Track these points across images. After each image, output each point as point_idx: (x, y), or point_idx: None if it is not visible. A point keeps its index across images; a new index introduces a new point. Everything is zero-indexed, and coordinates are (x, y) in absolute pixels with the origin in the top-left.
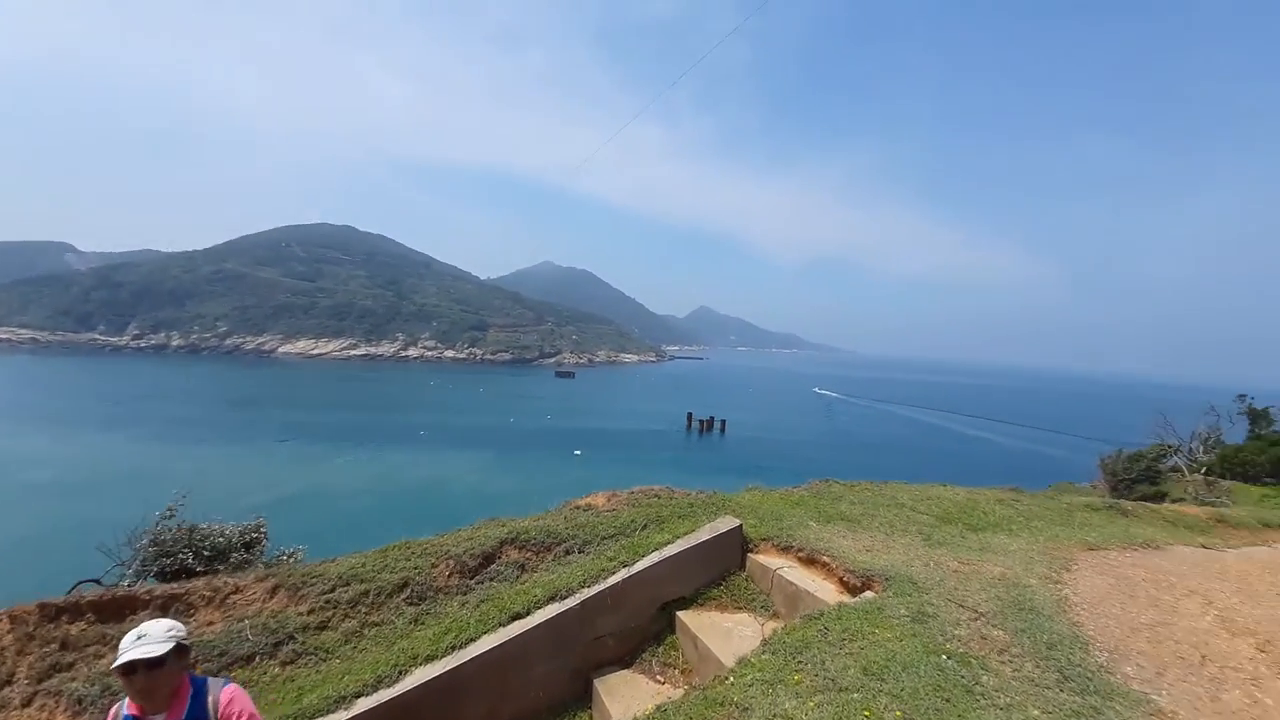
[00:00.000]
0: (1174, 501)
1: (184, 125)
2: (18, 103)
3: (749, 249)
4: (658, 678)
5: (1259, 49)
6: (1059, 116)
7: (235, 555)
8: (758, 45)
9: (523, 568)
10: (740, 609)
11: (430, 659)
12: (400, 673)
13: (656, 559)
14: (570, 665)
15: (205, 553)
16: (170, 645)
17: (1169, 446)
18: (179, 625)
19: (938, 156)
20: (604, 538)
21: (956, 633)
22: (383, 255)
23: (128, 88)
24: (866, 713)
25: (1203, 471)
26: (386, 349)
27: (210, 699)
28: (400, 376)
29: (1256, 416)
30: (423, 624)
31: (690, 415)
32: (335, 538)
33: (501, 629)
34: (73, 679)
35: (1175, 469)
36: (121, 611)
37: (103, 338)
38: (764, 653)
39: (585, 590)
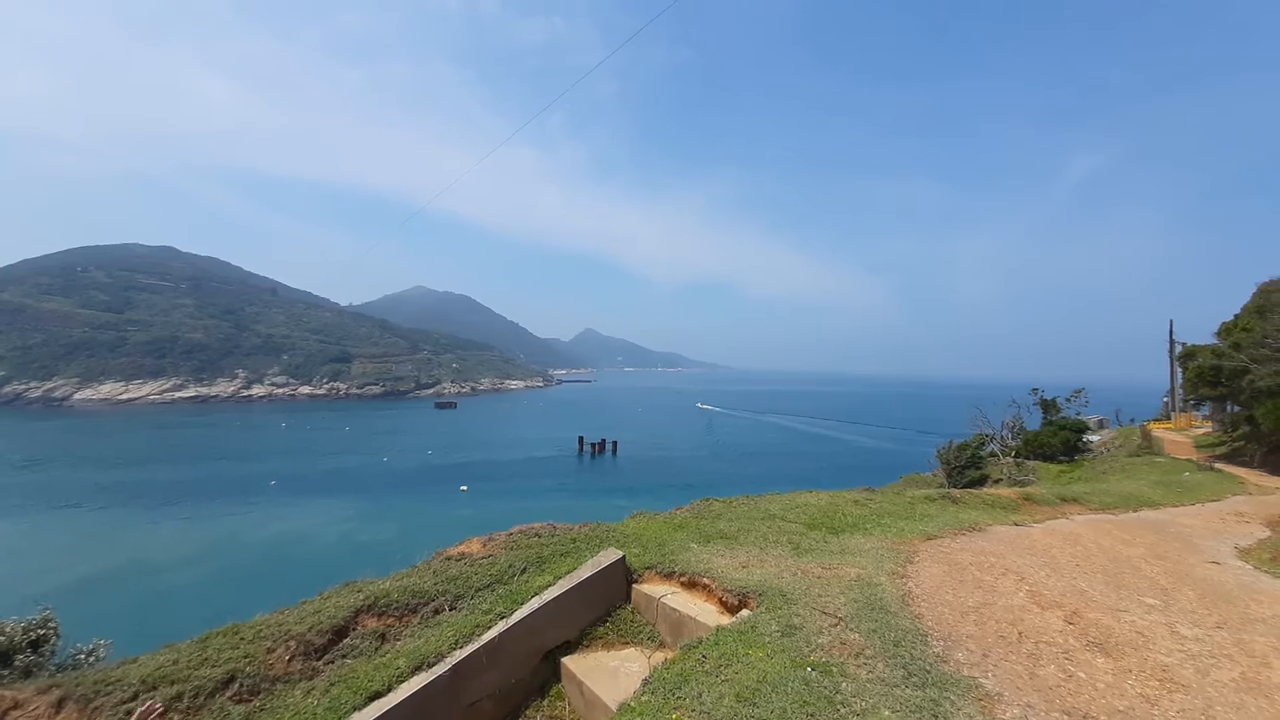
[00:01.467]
0: (994, 483)
1: None
2: None
3: (629, 271)
4: None
5: (1037, 111)
6: (895, 158)
7: (19, 658)
8: (625, 79)
9: (383, 637)
10: (626, 644)
11: None
12: None
13: (537, 604)
14: None
15: None
16: None
17: (987, 435)
18: None
19: (787, 190)
20: (479, 589)
21: (819, 641)
22: (214, 281)
23: None
24: None
25: (1013, 455)
26: (224, 388)
27: None
28: (242, 420)
29: (1047, 406)
30: None
31: (581, 439)
32: (152, 625)
33: (357, 714)
34: None
35: (993, 454)
36: None
37: None
38: (645, 693)
39: (457, 652)
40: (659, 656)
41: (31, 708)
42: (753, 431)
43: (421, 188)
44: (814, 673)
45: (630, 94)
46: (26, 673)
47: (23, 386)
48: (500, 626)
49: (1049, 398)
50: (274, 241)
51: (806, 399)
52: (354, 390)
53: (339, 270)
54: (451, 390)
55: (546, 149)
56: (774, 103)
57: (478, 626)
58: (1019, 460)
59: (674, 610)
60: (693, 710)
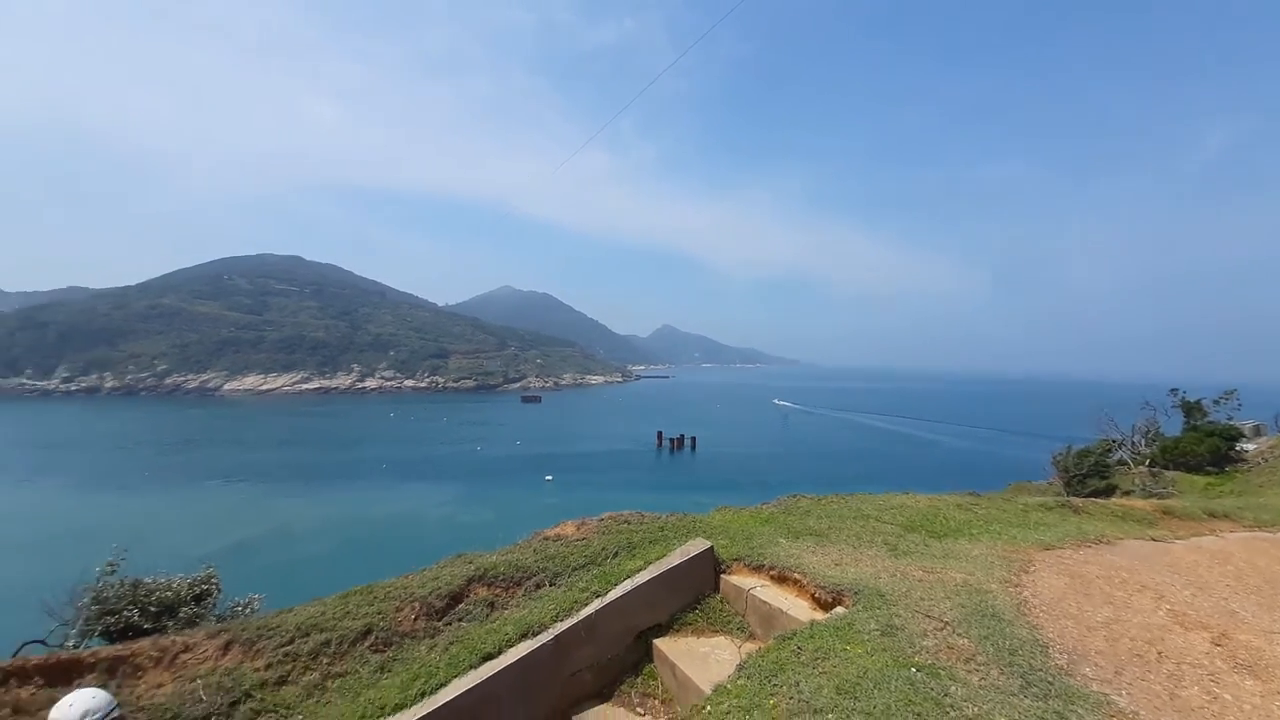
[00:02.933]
0: (1123, 494)
1: (90, 156)
2: None
3: (706, 268)
4: (638, 710)
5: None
6: (985, 140)
7: (185, 610)
8: (691, 77)
9: (492, 605)
10: (716, 632)
11: (399, 708)
12: None
13: (629, 587)
14: (547, 703)
15: (152, 609)
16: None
17: (1113, 441)
18: (103, 698)
19: (863, 180)
20: (575, 568)
21: (924, 644)
22: (333, 285)
23: (36, 124)
24: None
25: (1147, 463)
26: (342, 381)
27: None
28: (357, 409)
29: (1191, 409)
30: (389, 672)
31: (660, 434)
32: (293, 584)
33: (473, 671)
34: None
35: (1121, 462)
36: (68, 675)
37: (30, 382)
38: (740, 678)
39: (559, 624)
40: (749, 646)
41: (201, 650)
42: (832, 429)
43: (504, 193)
44: (919, 673)
45: (696, 92)
46: (190, 623)
47: (181, 378)
48: (596, 604)
49: (1193, 400)
50: (379, 249)
51: (892, 396)
52: (450, 384)
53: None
54: (536, 385)
55: (618, 151)
56: (840, 94)
57: (575, 603)
58: (1155, 470)
59: (765, 603)
60: (790, 698)
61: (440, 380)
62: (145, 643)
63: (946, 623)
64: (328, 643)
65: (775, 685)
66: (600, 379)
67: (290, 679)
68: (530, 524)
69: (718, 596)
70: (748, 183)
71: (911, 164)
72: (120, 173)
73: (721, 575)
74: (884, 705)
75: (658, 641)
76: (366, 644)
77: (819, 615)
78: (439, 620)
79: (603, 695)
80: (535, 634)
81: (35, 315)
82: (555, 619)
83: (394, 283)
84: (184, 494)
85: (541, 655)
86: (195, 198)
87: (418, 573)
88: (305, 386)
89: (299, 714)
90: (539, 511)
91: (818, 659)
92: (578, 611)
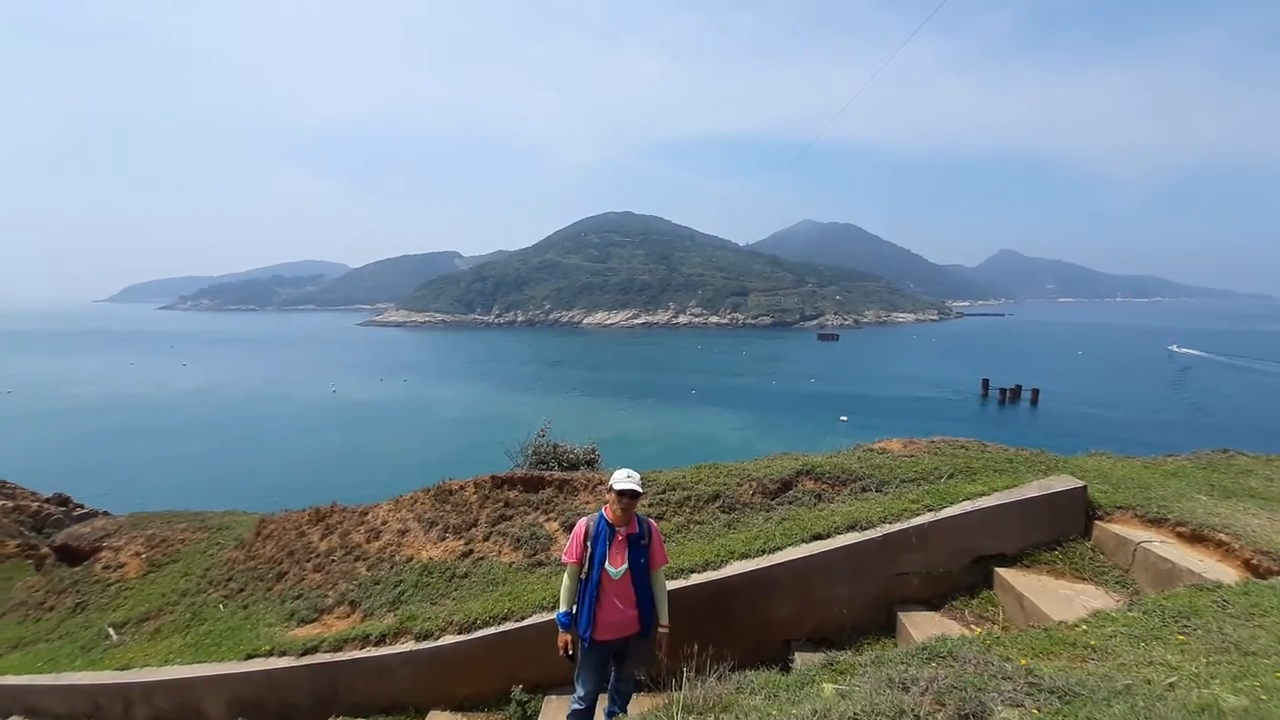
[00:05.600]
0: None
1: (504, 147)
2: (401, 148)
3: (1075, 172)
4: (971, 625)
5: None
6: None
7: (582, 469)
8: None
9: (819, 497)
10: (1081, 579)
11: (744, 556)
12: (722, 562)
13: (969, 508)
14: (872, 594)
15: (564, 463)
16: (642, 489)
17: None
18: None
19: None
20: (903, 480)
21: None
22: (656, 234)
23: (459, 124)
24: None
25: None
26: (661, 317)
27: (646, 526)
28: (672, 341)
29: None
30: (734, 529)
31: (986, 382)
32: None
33: (804, 545)
34: (513, 525)
35: None
36: (537, 486)
37: (480, 317)
38: (1132, 611)
39: (887, 525)
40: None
41: (605, 486)
42: (1261, 391)
43: (807, 121)
44: None
45: None
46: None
47: (557, 315)
48: (929, 516)
49: None
50: (687, 194)
51: None
52: (749, 320)
53: (738, 213)
54: (834, 322)
55: (952, 32)
56: None
57: (905, 511)
58: None
59: (1164, 559)
60: (1208, 637)
61: (740, 317)
62: (579, 474)
63: None
64: (688, 498)
65: (1185, 625)
66: (909, 316)
67: (665, 517)
68: None
69: (1086, 543)
70: (1154, 32)
71: None
72: (512, 160)
73: (1096, 521)
74: None
75: (1002, 570)
76: (716, 505)
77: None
78: (772, 499)
79: (931, 603)
80: (863, 529)
81: (481, 271)
82: (883, 520)
83: (702, 227)
84: (558, 399)
85: (869, 548)
86: (560, 168)
87: (751, 460)
88: (634, 321)
89: (672, 542)
90: (832, 450)
91: (1252, 614)
92: (907, 519)
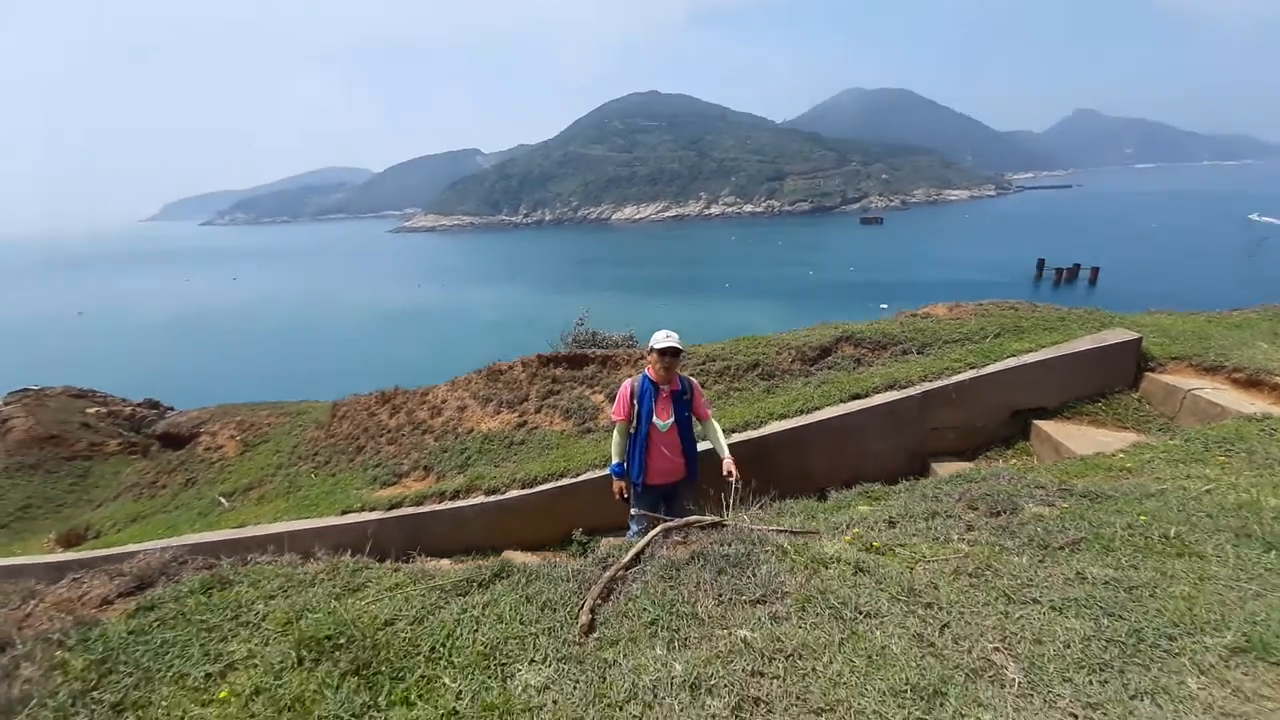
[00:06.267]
0: None
1: (518, 23)
2: (409, 37)
3: (1166, 10)
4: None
5: None
6: None
7: (620, 349)
8: None
9: (858, 361)
10: (1124, 428)
11: (782, 417)
12: (760, 422)
13: (1013, 364)
14: (907, 447)
15: (601, 347)
16: (682, 346)
17: None
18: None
19: None
20: (946, 342)
21: None
22: (685, 115)
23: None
24: None
25: None
26: (692, 209)
27: (688, 383)
28: (705, 233)
29: None
30: (773, 394)
31: (1042, 262)
32: None
33: (841, 405)
34: (561, 399)
35: None
36: (580, 363)
37: (507, 218)
38: (1173, 439)
39: (926, 384)
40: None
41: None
42: None
43: None
44: None
45: None
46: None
47: (586, 211)
48: (970, 373)
49: None
50: (718, 66)
51: None
52: (785, 207)
53: (773, 87)
54: (879, 205)
55: None
56: None
57: (946, 369)
58: None
59: (1214, 404)
60: (1251, 458)
61: (776, 204)
62: (620, 351)
63: None
64: (728, 368)
65: (1228, 450)
66: (963, 193)
67: (705, 386)
68: None
69: (1133, 394)
70: None
71: None
72: (528, 40)
73: (1146, 373)
74: None
75: (1040, 422)
76: (755, 373)
77: None
78: (810, 366)
79: (965, 455)
80: (901, 387)
81: (504, 170)
82: (923, 379)
83: (734, 104)
84: (591, 297)
85: (906, 405)
86: (579, 48)
87: (789, 332)
88: (665, 214)
89: (714, 409)
90: None
91: None
92: (947, 376)
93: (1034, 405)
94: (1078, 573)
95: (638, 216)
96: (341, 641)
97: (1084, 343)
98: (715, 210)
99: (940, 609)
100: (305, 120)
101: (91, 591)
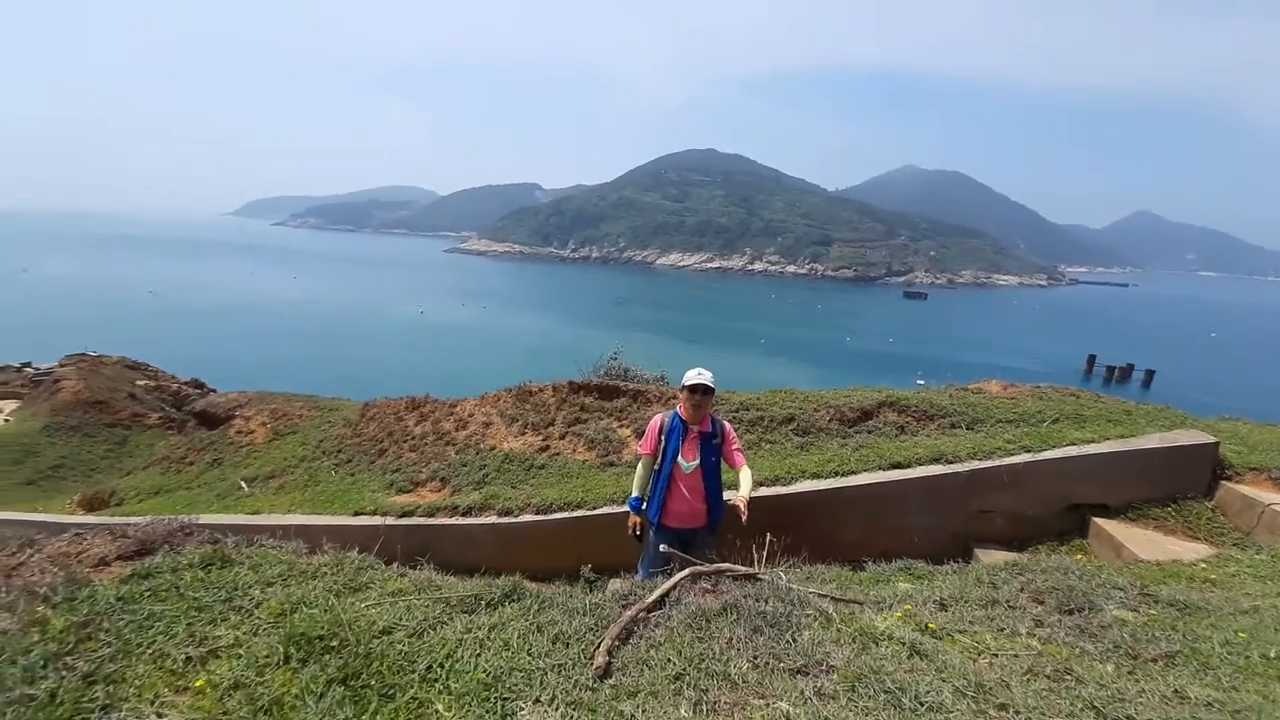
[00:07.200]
0: None
1: (588, 78)
2: (486, 79)
3: (1237, 125)
4: None
5: None
6: None
7: (652, 388)
8: None
9: (902, 429)
10: (1195, 539)
11: (815, 476)
12: (791, 479)
13: (1074, 452)
14: (950, 528)
15: (633, 383)
16: (714, 386)
17: None
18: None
19: None
20: (999, 420)
21: None
22: (739, 175)
23: (544, 55)
24: None
25: None
26: (736, 262)
27: (719, 425)
28: (745, 288)
29: None
30: (806, 452)
31: (1093, 358)
32: None
33: (880, 471)
34: (587, 428)
35: None
36: (611, 395)
37: (556, 251)
38: (1257, 554)
39: (975, 462)
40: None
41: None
42: None
43: (912, 54)
44: None
45: None
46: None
47: (633, 253)
48: (1026, 457)
49: None
50: (776, 133)
51: None
52: (829, 272)
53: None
54: (924, 280)
55: None
56: None
57: (997, 449)
58: None
59: None
60: None
61: (819, 268)
62: (652, 387)
63: None
64: (761, 418)
65: None
66: (1013, 279)
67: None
68: None
69: (1207, 503)
70: None
71: None
72: (595, 93)
73: (1222, 481)
74: None
75: (1100, 520)
76: (790, 427)
77: None
78: (850, 428)
79: (1013, 545)
80: (948, 463)
81: (559, 205)
82: (972, 456)
83: (789, 169)
84: (626, 335)
85: (951, 482)
86: (642, 103)
87: (830, 390)
88: (709, 265)
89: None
90: None
91: None
92: (999, 457)
93: (1094, 501)
94: (1175, 691)
95: (682, 264)
96: (334, 644)
97: (1153, 440)
98: (758, 267)
99: (1017, 713)
100: (381, 140)
101: (90, 550)
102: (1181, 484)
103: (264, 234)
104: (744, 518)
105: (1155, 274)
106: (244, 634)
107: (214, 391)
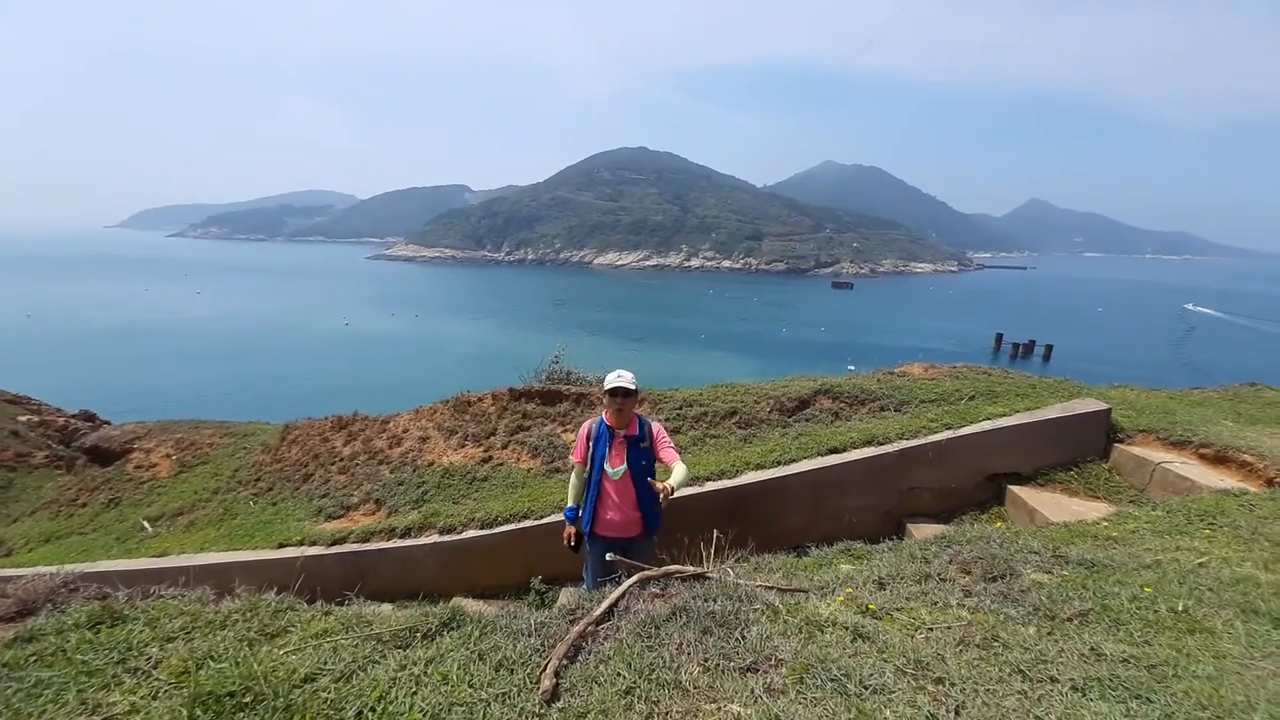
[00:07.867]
0: None
1: (514, 74)
2: (406, 76)
3: (1117, 116)
4: None
5: None
6: None
7: (595, 390)
8: None
9: (836, 415)
10: (1096, 498)
11: (759, 467)
12: (736, 472)
13: (988, 427)
14: (884, 506)
15: (575, 386)
16: (636, 386)
17: None
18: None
19: None
20: (922, 401)
21: None
22: (671, 172)
23: (466, 51)
24: None
25: None
26: (673, 260)
27: (647, 427)
28: (683, 284)
29: None
30: (750, 443)
31: (999, 336)
32: None
33: (819, 458)
34: (530, 435)
35: None
36: (554, 399)
37: (488, 254)
38: (1157, 510)
39: (903, 441)
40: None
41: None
42: (1270, 354)
43: (834, 53)
44: None
45: None
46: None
47: (568, 254)
48: (947, 434)
49: None
50: (705, 130)
51: None
52: (762, 266)
53: (757, 152)
54: (850, 271)
55: None
56: None
57: (923, 428)
58: None
59: (1184, 478)
60: (1235, 533)
61: (753, 262)
62: (594, 389)
63: None
64: (705, 414)
65: (1212, 523)
66: (928, 267)
67: (681, 430)
68: None
69: (1104, 464)
70: None
71: None
72: (522, 90)
73: (1116, 444)
74: None
75: (1014, 487)
76: (732, 421)
77: None
78: (789, 417)
79: (940, 517)
80: (879, 444)
81: (491, 207)
82: (900, 436)
83: (719, 165)
84: (567, 337)
85: (884, 462)
86: (572, 99)
87: (769, 381)
88: (646, 263)
89: (689, 454)
90: None
91: (1278, 516)
92: (924, 436)
93: (1009, 470)
94: (1092, 649)
95: (619, 263)
96: (247, 700)
97: (1055, 410)
98: (695, 263)
99: (952, 685)
100: (292, 144)
101: None
102: (1081, 449)
103: (159, 246)
104: (663, 502)
105: (1049, 256)
106: (141, 699)
107: (107, 424)
